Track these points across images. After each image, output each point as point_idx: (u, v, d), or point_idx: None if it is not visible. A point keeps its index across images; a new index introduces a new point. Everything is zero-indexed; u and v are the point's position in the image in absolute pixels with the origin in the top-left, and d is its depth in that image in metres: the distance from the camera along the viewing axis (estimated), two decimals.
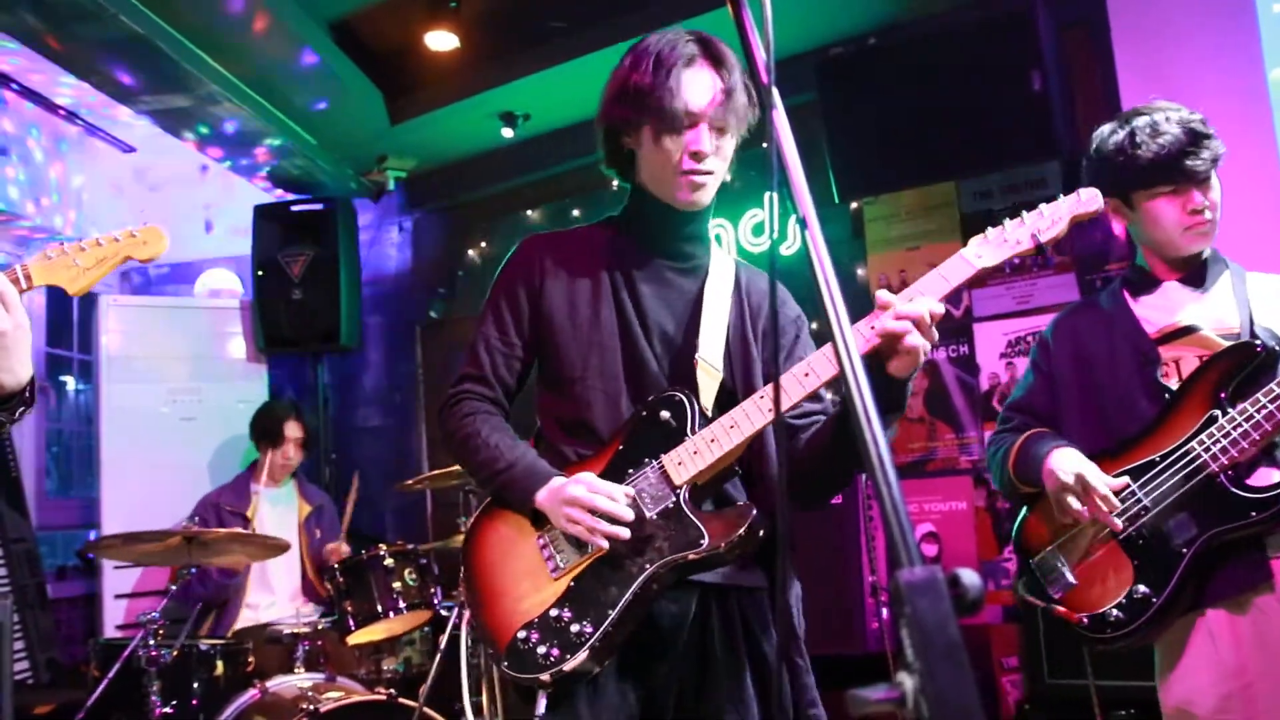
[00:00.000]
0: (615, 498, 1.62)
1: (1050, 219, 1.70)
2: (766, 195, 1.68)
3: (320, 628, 3.47)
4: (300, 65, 4.30)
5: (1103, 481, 1.95)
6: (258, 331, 5.09)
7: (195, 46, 3.97)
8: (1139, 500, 1.96)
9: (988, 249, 1.71)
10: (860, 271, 4.31)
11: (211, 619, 4.03)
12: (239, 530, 3.72)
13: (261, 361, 5.24)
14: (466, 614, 1.76)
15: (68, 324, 5.48)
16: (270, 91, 4.43)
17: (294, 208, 5.15)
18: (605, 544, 1.61)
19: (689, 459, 1.64)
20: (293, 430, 4.33)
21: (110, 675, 3.20)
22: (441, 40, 4.30)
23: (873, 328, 1.58)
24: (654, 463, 1.66)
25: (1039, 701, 3.17)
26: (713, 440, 1.64)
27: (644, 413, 1.70)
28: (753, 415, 1.63)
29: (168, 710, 3.10)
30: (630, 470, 1.67)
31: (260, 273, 5.07)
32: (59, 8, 3.51)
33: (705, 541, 1.60)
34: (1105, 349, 2.10)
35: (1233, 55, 3.48)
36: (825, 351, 1.63)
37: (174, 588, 3.40)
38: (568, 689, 1.62)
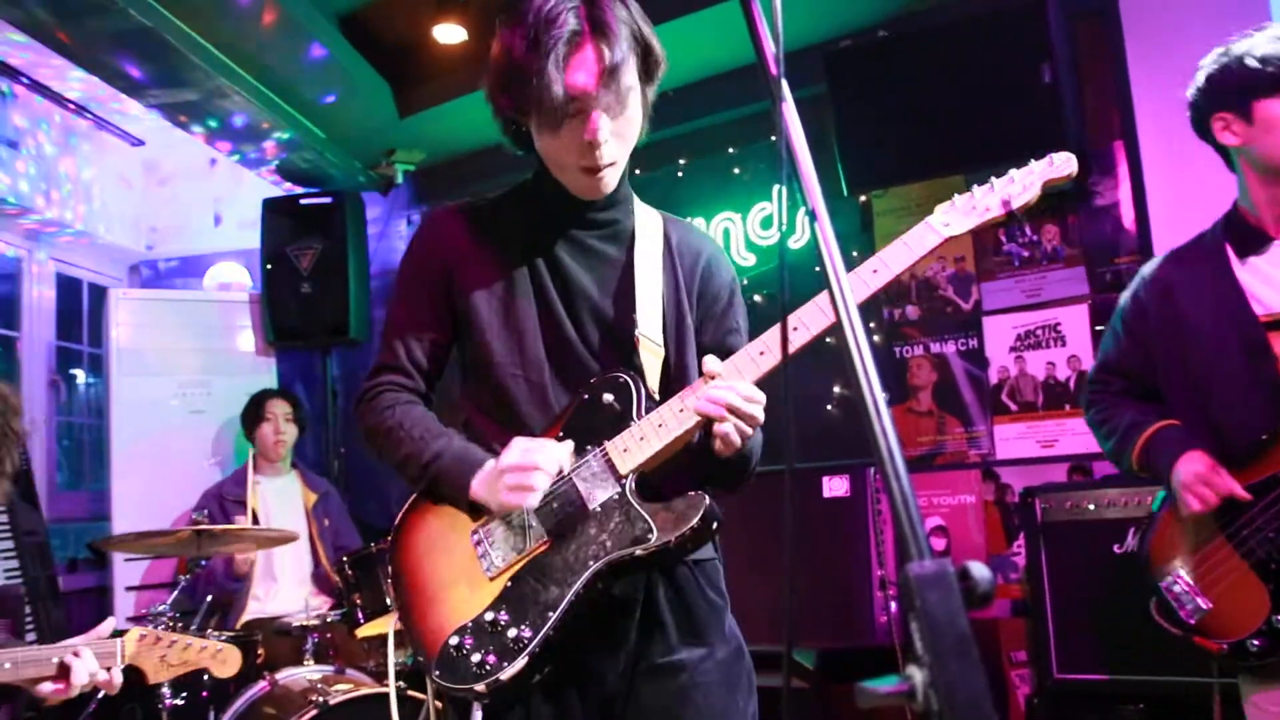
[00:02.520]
0: (552, 451, 1.48)
1: (1021, 184, 1.58)
2: (775, 188, 1.65)
3: (329, 620, 3.49)
4: (309, 58, 4.30)
5: (1231, 482, 1.87)
6: (266, 325, 5.10)
7: (204, 40, 3.98)
8: (1267, 519, 1.86)
9: (955, 215, 1.58)
10: None
11: (220, 612, 4.06)
12: (247, 526, 3.74)
13: (270, 354, 5.26)
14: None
15: (78, 317, 5.51)
16: (279, 85, 4.43)
17: (303, 201, 5.16)
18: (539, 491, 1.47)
19: (635, 446, 1.50)
20: (277, 406, 4.36)
21: (120, 667, 3.22)
22: (450, 33, 4.30)
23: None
24: (597, 450, 1.52)
25: (1048, 696, 3.16)
26: (660, 425, 1.50)
27: (586, 396, 1.56)
28: (745, 369, 1.50)
29: (178, 702, 3.12)
30: (572, 459, 1.53)
31: (269, 266, 5.08)
32: (69, 1, 3.51)
33: (653, 536, 1.46)
34: (1206, 323, 1.95)
35: None
36: (775, 329, 1.51)
37: (182, 579, 3.41)
38: (505, 699, 1.50)
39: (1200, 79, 2.01)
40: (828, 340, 3.89)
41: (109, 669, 1.93)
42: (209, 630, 3.62)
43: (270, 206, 5.15)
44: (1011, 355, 3.95)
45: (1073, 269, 3.84)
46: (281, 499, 4.31)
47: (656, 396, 1.57)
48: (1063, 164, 1.60)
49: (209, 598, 3.90)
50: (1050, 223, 3.93)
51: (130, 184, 5.65)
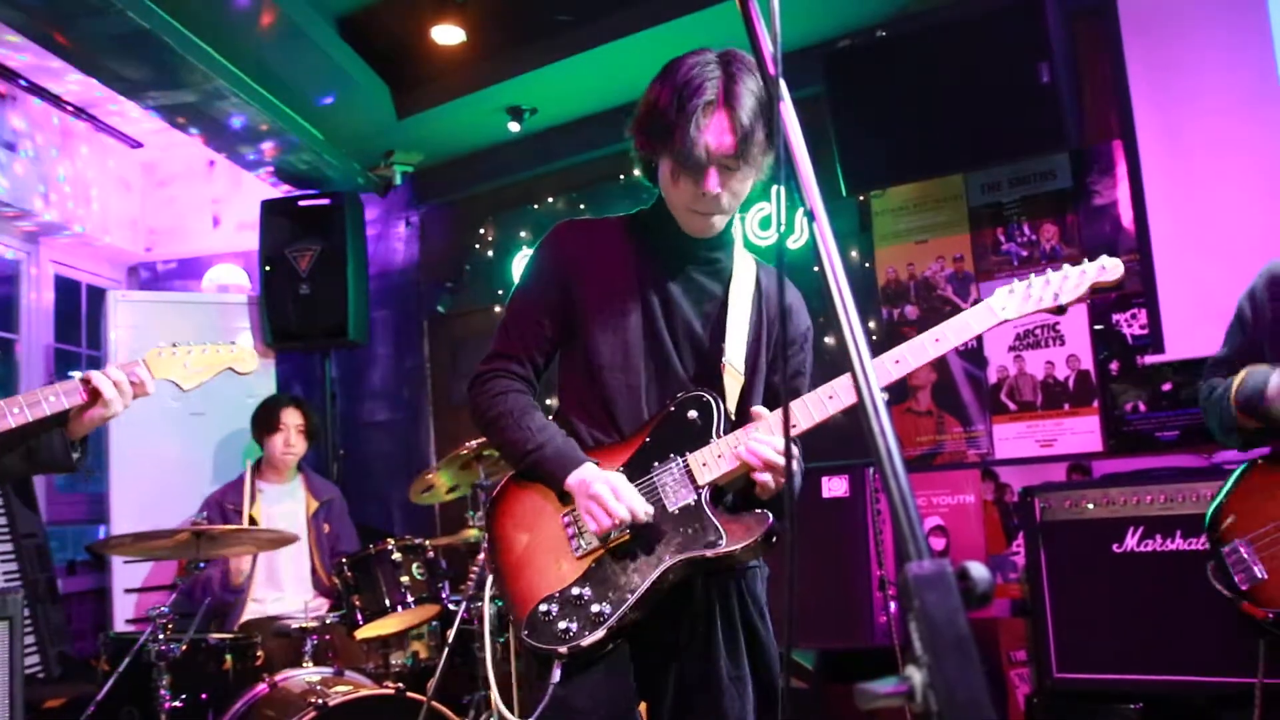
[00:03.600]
0: (634, 507, 1.70)
1: (1075, 283, 1.75)
2: (774, 188, 1.73)
3: (328, 622, 3.49)
4: (307, 60, 4.30)
5: None
6: (265, 326, 5.10)
7: (202, 42, 3.97)
8: None
9: (1013, 302, 1.77)
10: (868, 264, 4.30)
11: (220, 614, 4.05)
12: (245, 528, 3.74)
13: (269, 356, 5.25)
14: (490, 582, 1.92)
15: (76, 319, 5.50)
16: (277, 86, 4.43)
17: (301, 203, 5.15)
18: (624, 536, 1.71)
19: (713, 462, 1.73)
20: (291, 417, 4.30)
21: (120, 669, 3.22)
22: (448, 34, 4.30)
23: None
24: (679, 460, 1.75)
25: (1047, 695, 3.16)
26: (736, 446, 1.71)
27: (672, 409, 1.78)
28: (778, 431, 1.70)
29: (177, 704, 3.12)
30: (655, 464, 1.76)
31: (268, 268, 5.08)
32: (66, 3, 3.51)
33: (723, 543, 1.68)
34: None
35: (1243, 44, 3.45)
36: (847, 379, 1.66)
37: (181, 582, 3.41)
38: (582, 662, 1.70)
39: None
40: (827, 340, 3.88)
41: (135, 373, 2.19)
42: (209, 632, 3.62)
43: (269, 208, 5.15)
44: (1010, 355, 3.95)
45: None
46: (284, 506, 4.29)
47: (733, 418, 1.80)
48: (1112, 269, 1.76)
49: (208, 599, 3.91)
50: (1049, 222, 3.93)
51: (129, 186, 5.65)
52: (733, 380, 1.81)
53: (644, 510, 1.71)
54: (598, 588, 1.71)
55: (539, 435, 1.79)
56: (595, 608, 1.69)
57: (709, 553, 1.68)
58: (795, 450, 1.76)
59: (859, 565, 3.56)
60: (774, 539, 1.69)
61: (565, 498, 1.78)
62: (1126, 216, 3.76)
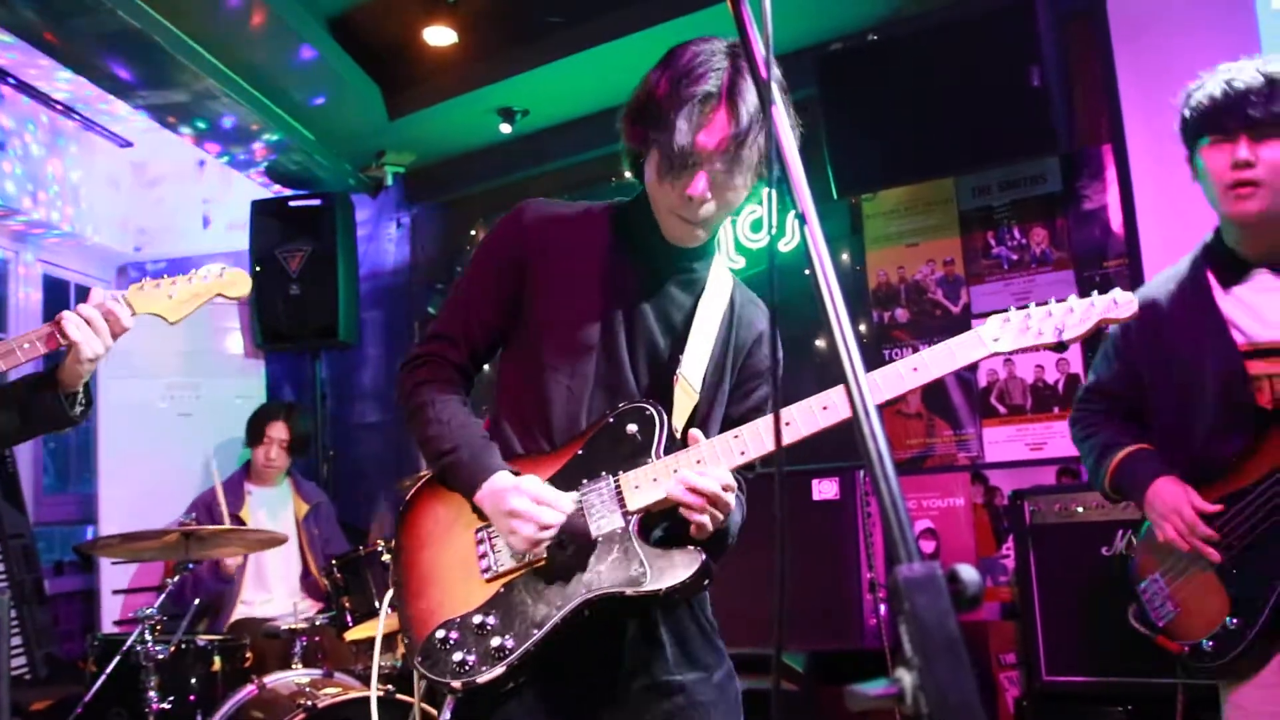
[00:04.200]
0: (561, 510, 1.53)
1: (1080, 317, 1.56)
2: (765, 191, 1.64)
3: (318, 623, 3.48)
4: (298, 60, 4.29)
5: (1200, 523, 1.91)
6: (255, 327, 5.09)
7: (193, 41, 3.96)
8: (1234, 530, 1.92)
9: (1008, 334, 1.58)
10: (859, 268, 4.31)
11: (208, 615, 4.04)
12: (234, 528, 3.72)
13: (259, 357, 5.24)
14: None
15: None
16: (268, 86, 4.42)
17: (292, 203, 5.14)
18: (544, 554, 1.54)
19: (647, 485, 1.55)
20: (276, 431, 4.31)
21: (108, 671, 3.20)
22: (440, 35, 4.29)
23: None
24: (610, 479, 1.57)
25: (1036, 698, 3.17)
26: (675, 471, 1.54)
27: (610, 420, 1.60)
28: (724, 455, 1.54)
29: (165, 706, 3.10)
30: (584, 480, 1.58)
31: (258, 268, 5.06)
32: (56, 2, 3.50)
33: (646, 581, 1.50)
34: (1188, 349, 1.98)
35: (1231, 48, 3.47)
36: (838, 393, 1.54)
37: (170, 582, 3.39)
38: (477, 699, 1.56)
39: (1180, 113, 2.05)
40: (816, 343, 3.89)
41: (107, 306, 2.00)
42: (197, 633, 3.60)
43: (259, 208, 5.13)
44: (1000, 358, 3.96)
45: (1061, 272, 3.85)
46: (272, 510, 4.29)
47: (678, 435, 1.61)
48: (1125, 305, 1.59)
49: (196, 601, 3.88)
50: (1039, 226, 3.94)
51: (118, 185, 5.62)
52: (685, 397, 1.63)
53: (569, 506, 1.54)
54: (503, 617, 1.53)
55: (456, 436, 1.60)
56: (496, 640, 1.51)
57: (629, 590, 1.50)
58: (739, 483, 1.59)
59: (849, 568, 3.57)
60: (707, 581, 1.53)
61: (482, 513, 1.59)
62: (1116, 221, 3.78)
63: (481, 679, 1.49)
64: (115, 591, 4.60)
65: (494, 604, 1.55)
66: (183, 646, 3.30)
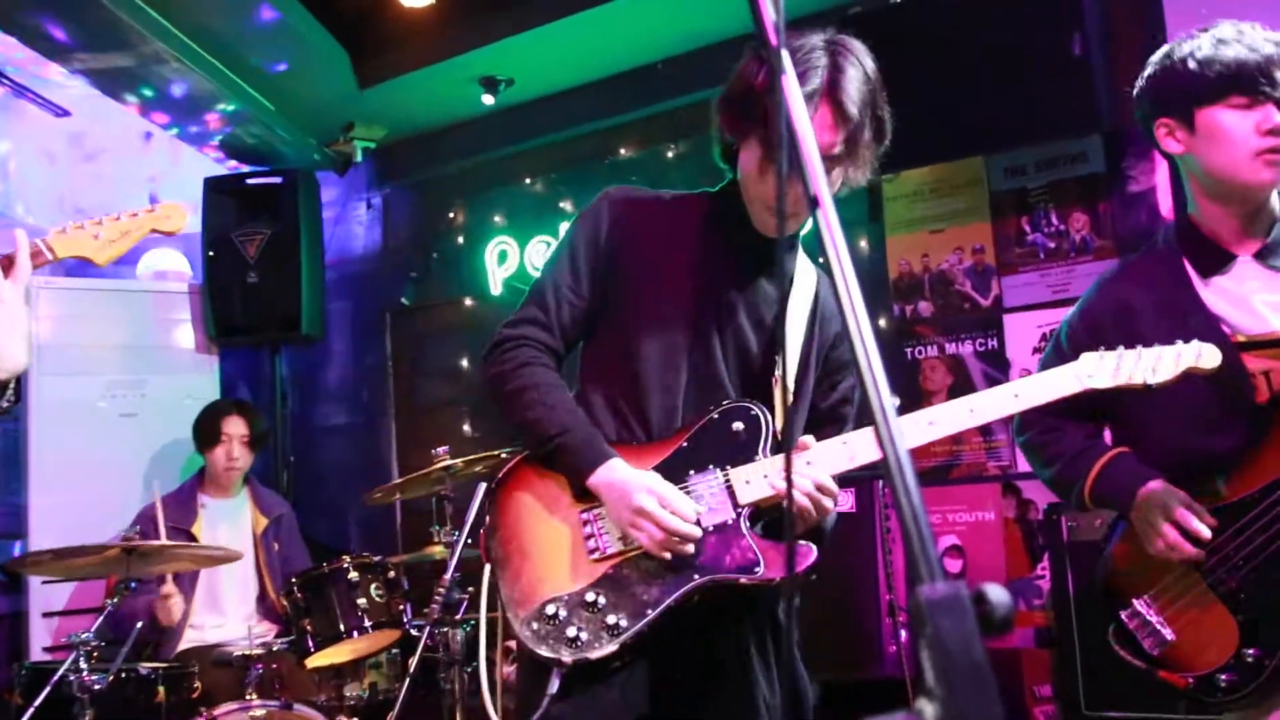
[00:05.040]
0: (688, 519, 1.70)
1: (1169, 364, 1.78)
2: (775, 171, 1.71)
3: (275, 649, 3.47)
4: (258, 21, 4.28)
5: (1202, 529, 1.91)
6: (208, 319, 5.08)
7: None
8: (1239, 549, 1.91)
9: (1102, 373, 1.78)
10: (878, 256, 4.32)
11: (152, 641, 4.01)
12: (182, 543, 3.71)
13: (212, 352, 5.23)
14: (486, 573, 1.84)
15: None
16: (223, 50, 4.41)
17: (249, 181, 5.14)
18: (667, 555, 1.71)
19: (758, 482, 1.74)
20: (234, 426, 4.28)
21: (36, 703, 3.18)
22: None
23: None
24: (719, 473, 1.77)
25: None
26: (780, 470, 1.73)
27: (715, 416, 1.79)
28: (833, 459, 1.72)
29: None
30: (692, 471, 1.77)
31: (211, 253, 5.06)
32: None
33: (760, 570, 1.70)
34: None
35: None
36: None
37: (109, 604, 3.38)
38: (586, 676, 1.70)
39: (1143, 80, 2.06)
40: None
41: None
42: (140, 661, 3.60)
43: (213, 187, 5.13)
44: (1036, 357, 3.98)
45: (1104, 261, 3.86)
46: (229, 524, 4.26)
47: (778, 438, 1.79)
48: (1208, 357, 1.79)
49: (139, 624, 3.87)
50: (1079, 210, 3.95)
51: (53, 159, 5.61)
52: (780, 399, 1.81)
53: (693, 515, 1.72)
54: (615, 597, 1.71)
55: (566, 419, 1.79)
56: (611, 618, 1.69)
57: (743, 579, 1.70)
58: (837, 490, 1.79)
59: (867, 589, 3.58)
60: (814, 576, 1.73)
61: (586, 494, 1.78)
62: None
63: (594, 654, 1.67)
64: (46, 614, 4.59)
65: (604, 583, 1.73)
66: (123, 676, 3.29)
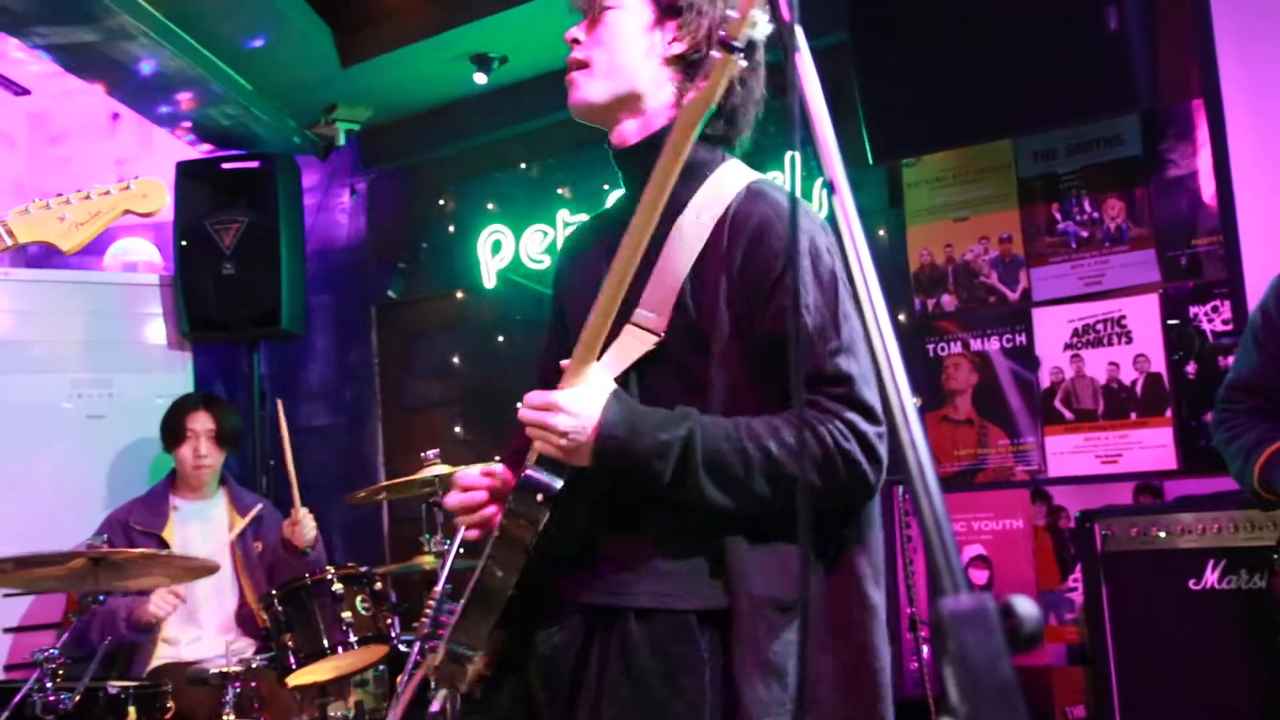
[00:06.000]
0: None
1: None
2: (788, 155, 1.66)
3: (254, 666, 3.48)
4: None
5: None
6: (181, 313, 5.08)
7: None
8: None
9: None
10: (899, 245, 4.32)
11: (122, 657, 4.02)
12: (154, 551, 3.72)
13: (185, 349, 5.23)
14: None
15: None
16: (196, 25, 4.41)
17: (225, 165, 5.14)
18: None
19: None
20: (199, 422, 4.27)
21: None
22: None
23: None
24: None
25: None
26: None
27: None
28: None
29: None
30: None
31: (184, 243, 5.06)
32: None
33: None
34: None
35: None
36: None
37: (74, 618, 3.38)
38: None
39: None
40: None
41: None
42: (109, 681, 3.61)
43: (185, 171, 5.13)
44: (1067, 354, 3.97)
45: (1141, 252, 3.86)
46: (205, 528, 4.26)
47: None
48: None
49: (107, 641, 3.87)
50: (1114, 196, 3.95)
51: (13, 141, 5.62)
52: (635, 343, 1.64)
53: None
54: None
55: None
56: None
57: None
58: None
59: (886, 602, 3.57)
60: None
61: None
62: (1208, 191, 3.78)
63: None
64: (6, 630, 4.60)
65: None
66: (90, 695, 3.29)
